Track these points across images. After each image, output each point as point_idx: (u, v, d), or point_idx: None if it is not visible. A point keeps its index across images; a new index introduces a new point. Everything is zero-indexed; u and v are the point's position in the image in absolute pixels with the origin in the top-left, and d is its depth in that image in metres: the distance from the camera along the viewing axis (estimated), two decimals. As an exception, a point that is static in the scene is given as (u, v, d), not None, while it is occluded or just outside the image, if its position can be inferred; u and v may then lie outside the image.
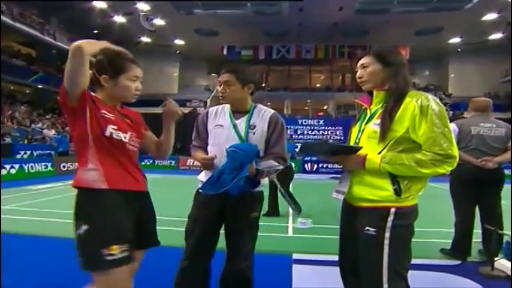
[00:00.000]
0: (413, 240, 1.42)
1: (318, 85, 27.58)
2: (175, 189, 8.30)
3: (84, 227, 1.32)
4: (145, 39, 20.58)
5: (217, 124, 1.84)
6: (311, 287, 2.61)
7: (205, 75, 26.48)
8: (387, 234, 1.35)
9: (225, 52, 21.55)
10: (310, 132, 18.39)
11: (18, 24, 15.03)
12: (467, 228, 3.14)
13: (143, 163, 14.34)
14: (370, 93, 1.54)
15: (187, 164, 14.29)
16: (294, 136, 17.58)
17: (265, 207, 4.15)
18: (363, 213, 1.44)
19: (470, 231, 3.15)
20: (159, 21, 18.16)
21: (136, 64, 1.50)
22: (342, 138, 17.26)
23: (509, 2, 13.63)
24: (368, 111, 1.54)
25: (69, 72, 1.29)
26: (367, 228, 1.39)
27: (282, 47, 21.66)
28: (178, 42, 21.96)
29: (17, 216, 4.69)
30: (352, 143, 1.55)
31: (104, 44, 1.42)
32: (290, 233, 4.27)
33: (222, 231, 1.85)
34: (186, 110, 21.04)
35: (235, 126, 1.80)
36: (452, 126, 3.08)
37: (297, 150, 8.66)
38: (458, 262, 3.12)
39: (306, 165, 14.25)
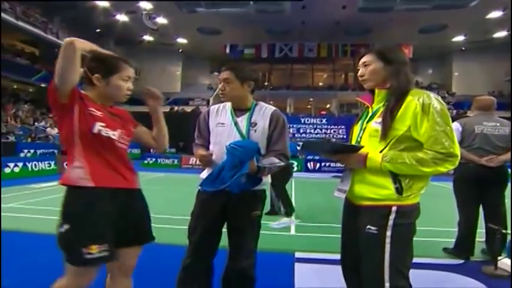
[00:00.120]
0: (416, 239, 1.41)
1: (320, 84, 27.54)
2: (178, 188, 8.32)
3: (66, 226, 1.34)
4: (148, 37, 20.64)
5: (219, 122, 1.84)
6: (313, 285, 2.61)
7: (207, 73, 26.52)
8: (389, 233, 1.35)
9: (227, 51, 21.62)
10: (312, 130, 18.35)
11: (21, 23, 15.13)
12: (470, 227, 3.13)
13: (145, 162, 14.42)
14: (372, 92, 1.53)
15: (190, 162, 14.31)
16: (296, 135, 17.56)
17: (267, 206, 4.15)
18: (365, 212, 1.44)
19: (474, 230, 3.13)
20: (161, 20, 18.23)
21: (129, 64, 1.50)
22: (345, 137, 17.20)
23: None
24: (370, 109, 1.53)
25: (60, 68, 1.29)
26: (368, 226, 1.39)
27: (284, 46, 21.67)
28: (181, 40, 22.01)
29: (20, 214, 4.72)
30: (353, 142, 1.55)
31: (95, 46, 1.43)
32: (292, 231, 4.26)
33: (224, 230, 1.85)
34: (189, 109, 21.14)
35: (236, 124, 1.80)
36: (456, 125, 3.06)
37: (298, 148, 8.64)
38: (462, 261, 3.11)
39: (308, 164, 14.21)
